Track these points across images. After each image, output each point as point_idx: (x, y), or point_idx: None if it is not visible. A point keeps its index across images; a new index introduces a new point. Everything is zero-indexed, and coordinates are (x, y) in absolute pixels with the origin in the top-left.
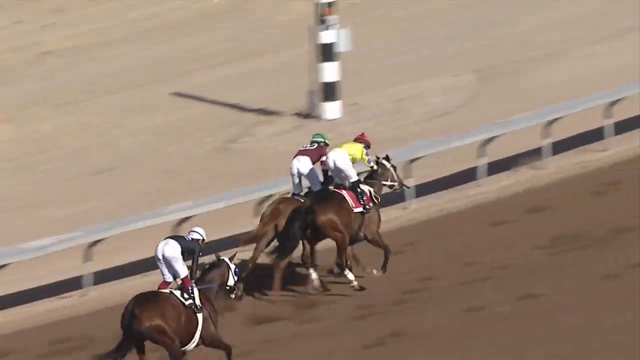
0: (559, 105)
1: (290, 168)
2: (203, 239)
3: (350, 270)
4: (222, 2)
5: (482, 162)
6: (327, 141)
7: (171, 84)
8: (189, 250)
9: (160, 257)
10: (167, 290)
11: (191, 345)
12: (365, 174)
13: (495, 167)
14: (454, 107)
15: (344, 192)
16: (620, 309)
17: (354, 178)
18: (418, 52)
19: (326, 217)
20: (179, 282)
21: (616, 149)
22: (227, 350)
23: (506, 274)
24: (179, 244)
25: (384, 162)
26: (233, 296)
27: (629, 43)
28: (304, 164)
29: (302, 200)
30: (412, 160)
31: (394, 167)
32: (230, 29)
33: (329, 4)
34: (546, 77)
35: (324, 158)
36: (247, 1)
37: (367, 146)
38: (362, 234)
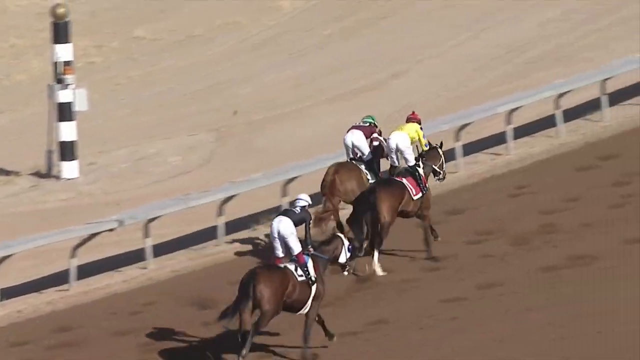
0: (296, 164)
1: (344, 139)
2: (309, 204)
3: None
4: None
5: (221, 221)
6: (376, 123)
7: None
8: (300, 220)
9: (276, 235)
10: (282, 265)
11: (303, 311)
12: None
13: (234, 226)
14: (192, 167)
15: (404, 180)
16: None
17: (412, 161)
18: (156, 111)
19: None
20: (294, 257)
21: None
22: (309, 326)
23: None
24: (291, 218)
25: (438, 149)
26: (345, 273)
27: (358, 103)
28: (357, 137)
29: (356, 164)
30: (151, 220)
31: (444, 156)
32: None
33: (67, 63)
34: (282, 135)
35: (375, 135)
36: None
37: (419, 123)
38: (419, 213)
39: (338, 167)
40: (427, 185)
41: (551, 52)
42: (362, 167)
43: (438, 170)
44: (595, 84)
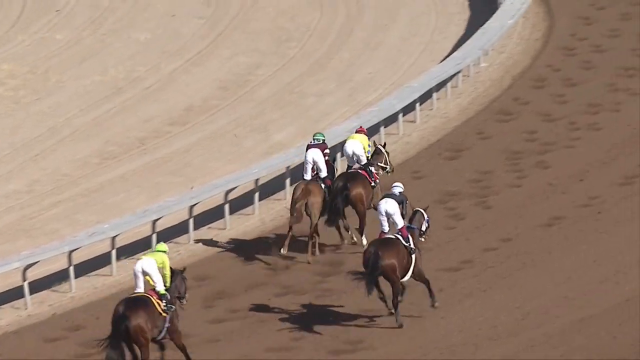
0: None
1: (305, 156)
2: (403, 189)
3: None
4: None
5: None
6: (324, 139)
7: None
8: (401, 201)
9: (383, 213)
10: (392, 236)
11: (405, 278)
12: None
13: None
14: None
15: (362, 172)
16: None
17: (364, 161)
18: None
19: (357, 191)
20: (398, 231)
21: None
22: (427, 283)
23: None
24: (395, 200)
25: (381, 148)
26: (425, 238)
27: None
28: (316, 154)
29: (317, 182)
30: None
31: (387, 153)
32: None
33: None
34: None
35: (327, 151)
36: None
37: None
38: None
39: (305, 186)
40: (377, 180)
41: (16, 224)
42: (320, 183)
43: (384, 165)
44: (62, 256)
